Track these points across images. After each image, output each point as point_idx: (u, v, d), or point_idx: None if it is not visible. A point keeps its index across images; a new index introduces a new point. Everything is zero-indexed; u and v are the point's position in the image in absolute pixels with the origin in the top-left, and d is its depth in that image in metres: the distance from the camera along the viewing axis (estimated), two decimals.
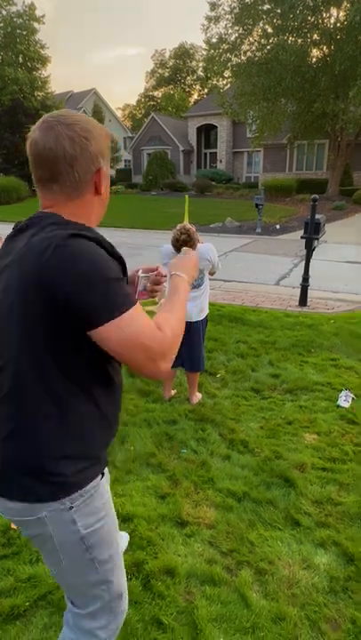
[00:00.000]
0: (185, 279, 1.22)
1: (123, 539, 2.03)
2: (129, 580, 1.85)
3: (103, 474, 1.14)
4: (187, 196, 3.46)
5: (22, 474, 1.02)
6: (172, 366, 3.55)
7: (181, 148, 32.11)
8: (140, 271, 1.34)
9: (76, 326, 0.94)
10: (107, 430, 1.13)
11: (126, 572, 1.88)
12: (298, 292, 6.37)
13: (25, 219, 1.06)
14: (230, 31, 19.91)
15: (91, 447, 1.08)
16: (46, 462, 1.01)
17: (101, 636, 1.22)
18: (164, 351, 0.99)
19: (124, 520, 2.18)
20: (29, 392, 0.99)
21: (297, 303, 6.29)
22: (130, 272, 1.26)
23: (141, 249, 10.37)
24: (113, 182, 31.68)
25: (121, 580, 1.23)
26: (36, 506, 1.02)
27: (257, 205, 13.72)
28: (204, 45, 22.93)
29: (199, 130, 32.16)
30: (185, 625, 1.68)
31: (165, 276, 1.37)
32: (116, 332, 0.93)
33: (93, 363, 1.03)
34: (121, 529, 2.12)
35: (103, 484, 1.13)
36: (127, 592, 1.28)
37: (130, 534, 2.09)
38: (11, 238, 1.07)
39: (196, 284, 3.16)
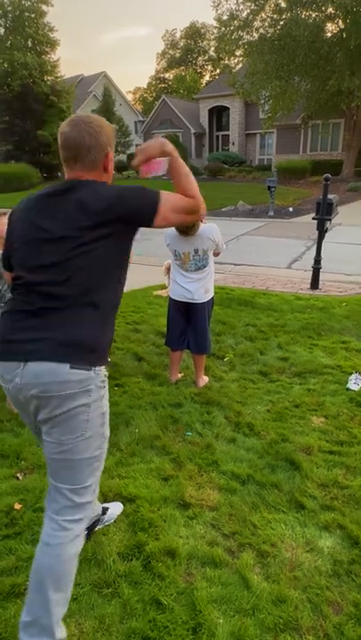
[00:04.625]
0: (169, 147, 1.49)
1: (117, 507, 2.10)
2: (130, 560, 1.85)
3: None
4: None
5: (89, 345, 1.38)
6: (179, 348, 3.52)
7: (193, 131, 31.59)
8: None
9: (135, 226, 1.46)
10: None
11: (127, 554, 1.89)
12: (310, 275, 6.24)
13: (59, 184, 1.46)
14: (242, 7, 19.38)
15: (111, 338, 1.51)
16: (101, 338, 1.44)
17: (87, 511, 1.50)
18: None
19: (126, 501, 2.17)
20: (98, 284, 1.40)
21: (308, 286, 6.18)
22: None
23: (152, 234, 10.27)
24: (124, 167, 31.43)
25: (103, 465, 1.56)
26: (90, 377, 1.36)
27: (269, 188, 13.45)
28: (215, 24, 22.31)
29: (211, 112, 31.55)
30: (184, 606, 1.66)
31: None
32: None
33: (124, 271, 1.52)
34: (123, 510, 2.12)
35: None
36: None
37: (132, 515, 2.08)
38: (60, 192, 1.43)
39: (201, 265, 3.09)
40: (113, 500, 2.17)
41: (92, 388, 1.38)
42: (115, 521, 2.06)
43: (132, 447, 2.63)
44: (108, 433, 1.51)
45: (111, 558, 1.85)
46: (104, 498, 2.19)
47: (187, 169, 1.50)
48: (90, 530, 1.91)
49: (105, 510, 2.02)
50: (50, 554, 1.43)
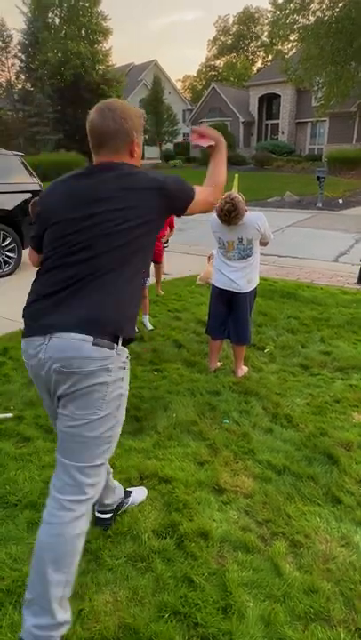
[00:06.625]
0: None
1: (141, 492, 2.12)
2: (164, 538, 1.90)
3: None
4: (236, 175, 3.31)
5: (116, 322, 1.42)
6: (219, 337, 3.52)
7: (242, 120, 31.03)
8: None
9: (170, 212, 1.57)
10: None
11: (162, 531, 1.93)
12: (357, 269, 6.03)
13: (88, 166, 1.55)
14: None
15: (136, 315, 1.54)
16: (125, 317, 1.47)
17: (90, 494, 1.46)
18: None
19: (162, 481, 2.22)
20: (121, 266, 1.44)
21: (356, 281, 5.98)
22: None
23: (195, 222, 10.26)
24: (171, 156, 31.40)
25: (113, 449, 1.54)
26: (112, 356, 1.38)
27: (319, 179, 13.04)
28: (270, 8, 21.67)
29: (261, 100, 30.82)
30: (215, 586, 1.70)
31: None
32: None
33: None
34: (159, 490, 2.17)
35: None
36: None
37: (167, 495, 2.13)
38: (87, 176, 1.51)
39: (245, 255, 3.07)
40: (149, 480, 2.23)
41: (113, 367, 1.40)
42: (151, 499, 2.11)
43: (169, 431, 2.68)
44: (122, 417, 1.51)
45: (146, 534, 1.91)
46: (140, 476, 2.26)
47: (225, 157, 1.71)
48: (115, 512, 1.97)
49: (128, 494, 2.05)
50: (50, 532, 1.43)
